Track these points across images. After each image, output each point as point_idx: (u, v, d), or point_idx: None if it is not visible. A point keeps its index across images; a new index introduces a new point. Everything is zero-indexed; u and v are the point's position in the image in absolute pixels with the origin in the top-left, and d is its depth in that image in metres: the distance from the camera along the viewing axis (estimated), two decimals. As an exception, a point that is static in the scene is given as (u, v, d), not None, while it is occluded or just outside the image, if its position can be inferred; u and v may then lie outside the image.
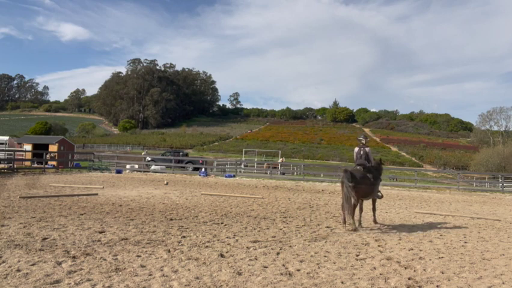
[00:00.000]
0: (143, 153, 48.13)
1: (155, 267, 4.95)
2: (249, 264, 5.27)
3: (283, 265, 5.33)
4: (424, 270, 5.44)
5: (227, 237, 6.93)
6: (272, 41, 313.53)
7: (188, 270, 4.90)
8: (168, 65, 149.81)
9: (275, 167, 32.67)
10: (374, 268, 5.41)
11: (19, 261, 4.85)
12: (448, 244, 7.29)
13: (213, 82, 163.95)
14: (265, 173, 29.79)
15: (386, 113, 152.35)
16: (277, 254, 5.93)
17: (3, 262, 4.81)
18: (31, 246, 5.55)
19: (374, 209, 9.34)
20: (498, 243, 7.58)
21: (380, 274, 5.13)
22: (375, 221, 9.20)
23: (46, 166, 24.22)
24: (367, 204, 9.66)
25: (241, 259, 5.52)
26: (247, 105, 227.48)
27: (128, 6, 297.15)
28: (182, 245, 6.19)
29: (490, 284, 4.98)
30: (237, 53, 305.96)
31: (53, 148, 31.81)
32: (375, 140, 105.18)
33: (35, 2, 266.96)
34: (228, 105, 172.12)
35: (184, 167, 29.11)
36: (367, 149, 8.94)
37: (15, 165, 22.21)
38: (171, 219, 8.47)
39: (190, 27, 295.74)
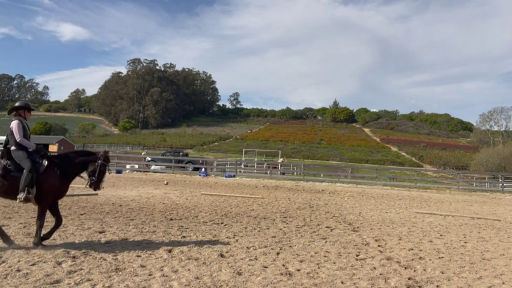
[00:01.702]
0: (143, 153, 48.13)
1: (155, 267, 4.95)
2: (249, 264, 5.27)
3: (283, 265, 5.33)
4: (424, 270, 5.44)
5: (227, 237, 6.93)
6: (272, 41, 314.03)
7: (188, 270, 4.90)
8: (168, 65, 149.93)
9: (275, 167, 32.66)
10: (374, 268, 5.41)
11: (19, 261, 4.85)
12: (448, 244, 7.30)
13: (213, 82, 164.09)
14: (265, 173, 29.79)
15: (386, 113, 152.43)
16: (277, 254, 5.93)
17: (3, 262, 4.81)
18: (31, 246, 5.55)
19: None
20: (498, 243, 7.59)
21: (380, 274, 5.13)
22: None
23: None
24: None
25: (241, 259, 5.52)
26: (247, 105, 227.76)
27: (127, 7, 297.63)
28: (182, 245, 6.19)
29: (490, 284, 4.98)
30: (237, 53, 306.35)
31: (53, 148, 31.85)
32: (375, 140, 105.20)
33: (34, 2, 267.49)
34: (228, 105, 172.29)
35: (184, 167, 29.11)
36: None
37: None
38: (171, 219, 8.47)
39: (190, 27, 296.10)
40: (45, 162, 5.57)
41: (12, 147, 5.56)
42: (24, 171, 5.37)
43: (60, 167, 5.65)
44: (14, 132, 5.58)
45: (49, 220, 6.43)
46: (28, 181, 5.33)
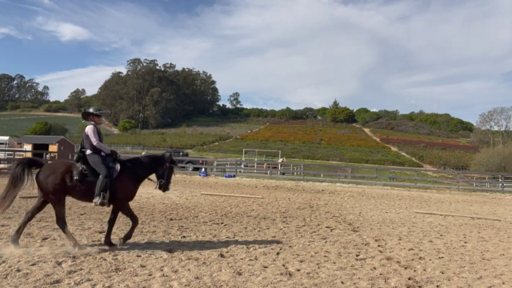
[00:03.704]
0: (143, 153, 48.16)
1: (155, 267, 4.96)
2: (249, 264, 5.28)
3: (283, 265, 5.34)
4: (424, 270, 5.44)
5: (227, 237, 6.94)
6: (272, 41, 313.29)
7: (188, 270, 4.90)
8: (168, 65, 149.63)
9: (275, 167, 32.65)
10: (374, 268, 5.41)
11: (19, 261, 4.85)
12: (448, 244, 7.30)
13: (213, 82, 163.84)
14: (265, 173, 29.78)
15: (386, 113, 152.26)
16: (277, 254, 5.93)
17: (3, 262, 4.81)
18: (31, 246, 5.55)
19: None
20: (498, 243, 7.59)
21: (380, 274, 5.13)
22: None
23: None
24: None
25: (241, 259, 5.52)
26: (247, 105, 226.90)
27: (127, 6, 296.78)
28: (182, 245, 6.19)
29: (490, 284, 4.98)
30: (237, 53, 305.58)
31: (53, 148, 31.87)
32: (375, 140, 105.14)
33: (35, 2, 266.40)
34: (228, 105, 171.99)
35: (184, 167, 29.10)
36: None
37: (15, 165, 22.17)
38: (171, 219, 8.47)
39: (190, 27, 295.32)
40: (118, 167, 5.77)
41: (88, 152, 5.73)
42: (100, 176, 5.55)
43: (132, 171, 5.87)
44: (89, 136, 5.75)
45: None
46: (103, 186, 5.52)
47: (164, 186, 6.09)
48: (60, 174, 5.50)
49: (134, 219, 5.92)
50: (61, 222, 5.53)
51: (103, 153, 5.80)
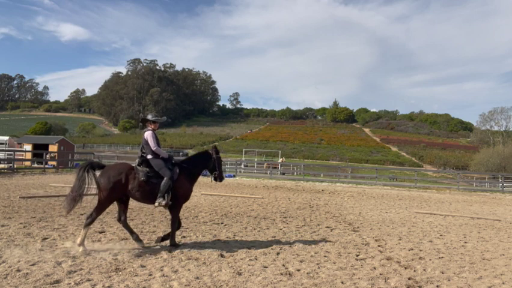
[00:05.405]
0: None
1: (155, 267, 4.96)
2: (249, 264, 5.28)
3: (283, 265, 5.34)
4: (424, 270, 5.44)
5: (227, 237, 6.94)
6: (272, 41, 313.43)
7: (188, 270, 4.90)
8: (168, 65, 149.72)
9: (275, 167, 32.66)
10: (374, 268, 5.41)
11: (19, 261, 4.85)
12: (448, 244, 7.30)
13: (213, 82, 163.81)
14: (265, 173, 29.79)
15: (386, 113, 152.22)
16: (277, 254, 5.93)
17: (3, 262, 4.82)
18: (31, 246, 5.55)
19: None
20: (498, 243, 7.59)
21: (380, 274, 5.13)
22: None
23: (46, 166, 24.24)
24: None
25: (241, 259, 5.52)
26: (247, 105, 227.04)
27: (127, 7, 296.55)
28: (182, 245, 6.19)
29: (490, 284, 4.98)
30: (237, 53, 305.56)
31: (53, 148, 31.84)
32: (375, 140, 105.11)
33: (35, 2, 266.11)
34: (228, 105, 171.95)
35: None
36: None
37: (15, 165, 22.21)
38: (171, 219, 8.47)
39: (190, 27, 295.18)
40: (177, 170, 5.98)
41: (149, 156, 5.95)
42: (165, 178, 5.76)
43: (188, 171, 6.09)
44: (149, 141, 5.98)
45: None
46: (167, 188, 5.73)
47: (219, 177, 6.36)
48: (125, 175, 5.71)
49: (174, 224, 6.05)
50: (90, 220, 5.63)
51: (164, 157, 6.00)
